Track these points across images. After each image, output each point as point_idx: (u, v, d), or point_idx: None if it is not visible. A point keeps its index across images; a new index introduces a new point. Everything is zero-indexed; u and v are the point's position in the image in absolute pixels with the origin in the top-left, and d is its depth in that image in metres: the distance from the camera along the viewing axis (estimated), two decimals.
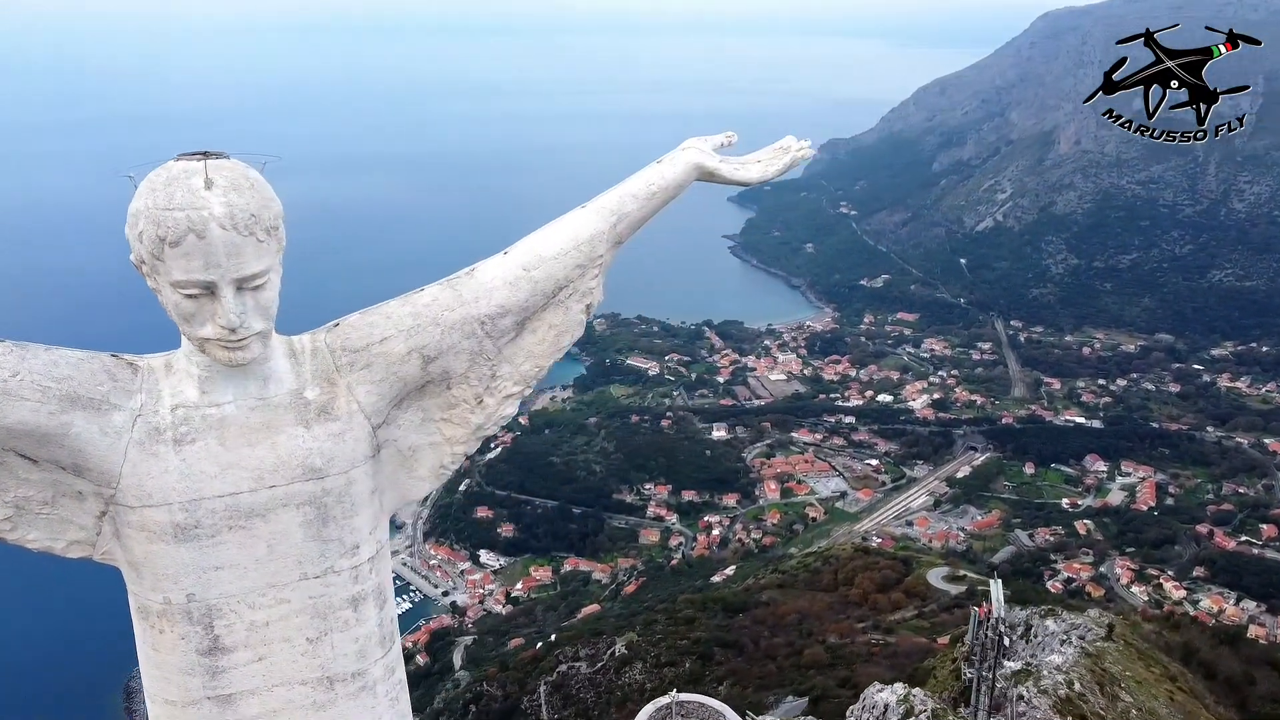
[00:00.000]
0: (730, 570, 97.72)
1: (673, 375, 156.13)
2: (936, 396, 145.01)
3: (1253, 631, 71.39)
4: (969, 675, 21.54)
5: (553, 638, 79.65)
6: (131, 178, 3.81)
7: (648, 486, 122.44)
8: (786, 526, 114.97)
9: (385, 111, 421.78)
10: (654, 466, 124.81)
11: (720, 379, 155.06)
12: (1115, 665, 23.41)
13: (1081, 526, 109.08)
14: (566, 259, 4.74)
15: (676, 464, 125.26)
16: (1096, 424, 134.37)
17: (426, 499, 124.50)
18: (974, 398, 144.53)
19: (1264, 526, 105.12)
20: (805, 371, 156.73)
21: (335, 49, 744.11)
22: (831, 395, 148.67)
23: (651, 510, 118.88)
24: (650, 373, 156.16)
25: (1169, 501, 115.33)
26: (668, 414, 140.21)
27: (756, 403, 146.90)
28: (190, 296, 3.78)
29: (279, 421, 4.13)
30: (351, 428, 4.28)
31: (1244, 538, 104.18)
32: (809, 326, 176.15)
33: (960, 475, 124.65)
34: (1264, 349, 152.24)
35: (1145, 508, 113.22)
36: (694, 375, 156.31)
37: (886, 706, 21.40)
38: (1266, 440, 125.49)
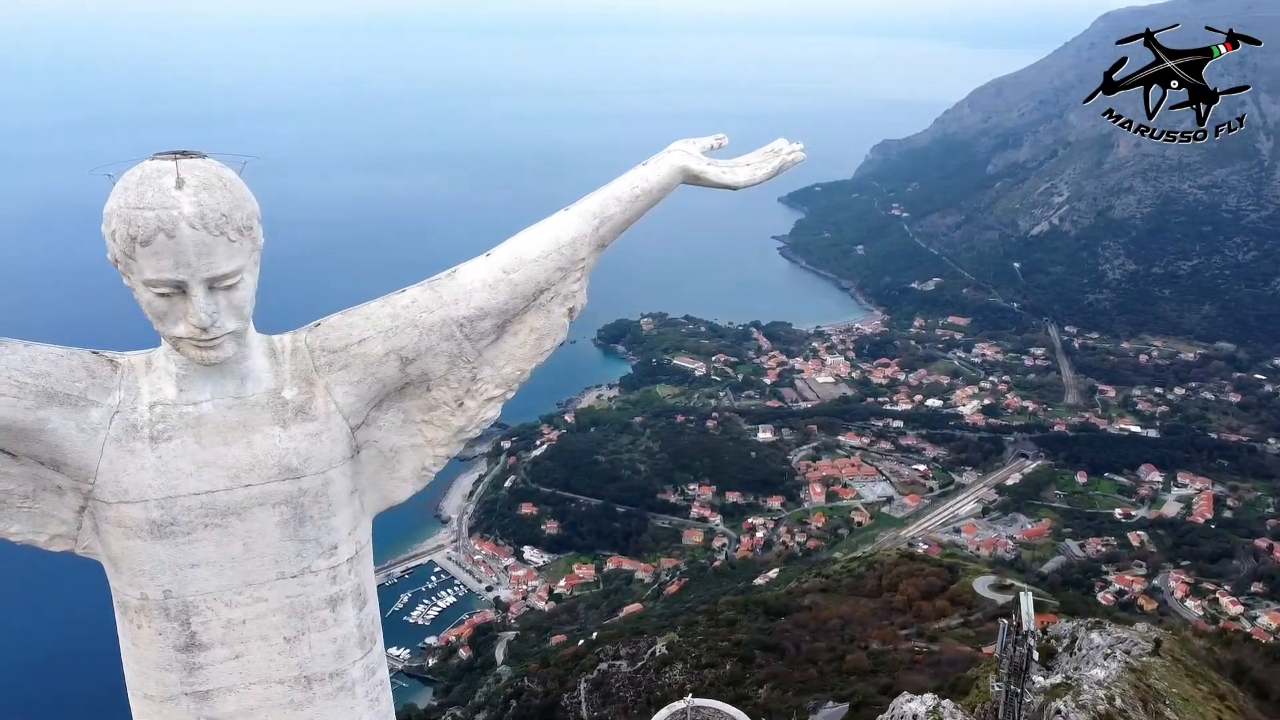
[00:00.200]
0: (773, 573, 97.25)
1: (719, 376, 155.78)
2: (987, 402, 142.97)
3: None
4: (997, 689, 21.25)
5: (594, 636, 79.94)
6: (110, 176, 3.84)
7: (692, 487, 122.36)
8: (831, 530, 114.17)
9: (398, 112, 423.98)
10: (699, 467, 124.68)
11: (767, 380, 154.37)
12: (1160, 681, 22.92)
13: (1135, 538, 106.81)
14: (547, 262, 4.70)
15: (721, 465, 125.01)
16: (1152, 433, 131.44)
17: (472, 492, 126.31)
18: (1025, 404, 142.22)
19: None
20: (853, 374, 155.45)
21: (345, 49, 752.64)
22: (880, 399, 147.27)
23: (695, 511, 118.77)
24: (697, 373, 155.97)
25: (1227, 514, 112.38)
26: (713, 414, 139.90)
27: (803, 405, 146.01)
28: (162, 295, 3.80)
29: (256, 420, 4.14)
30: (329, 428, 4.28)
31: None
32: (858, 329, 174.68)
33: (1010, 483, 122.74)
34: None
35: (1202, 520, 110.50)
36: (740, 376, 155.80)
37: (915, 717, 21.18)
38: None
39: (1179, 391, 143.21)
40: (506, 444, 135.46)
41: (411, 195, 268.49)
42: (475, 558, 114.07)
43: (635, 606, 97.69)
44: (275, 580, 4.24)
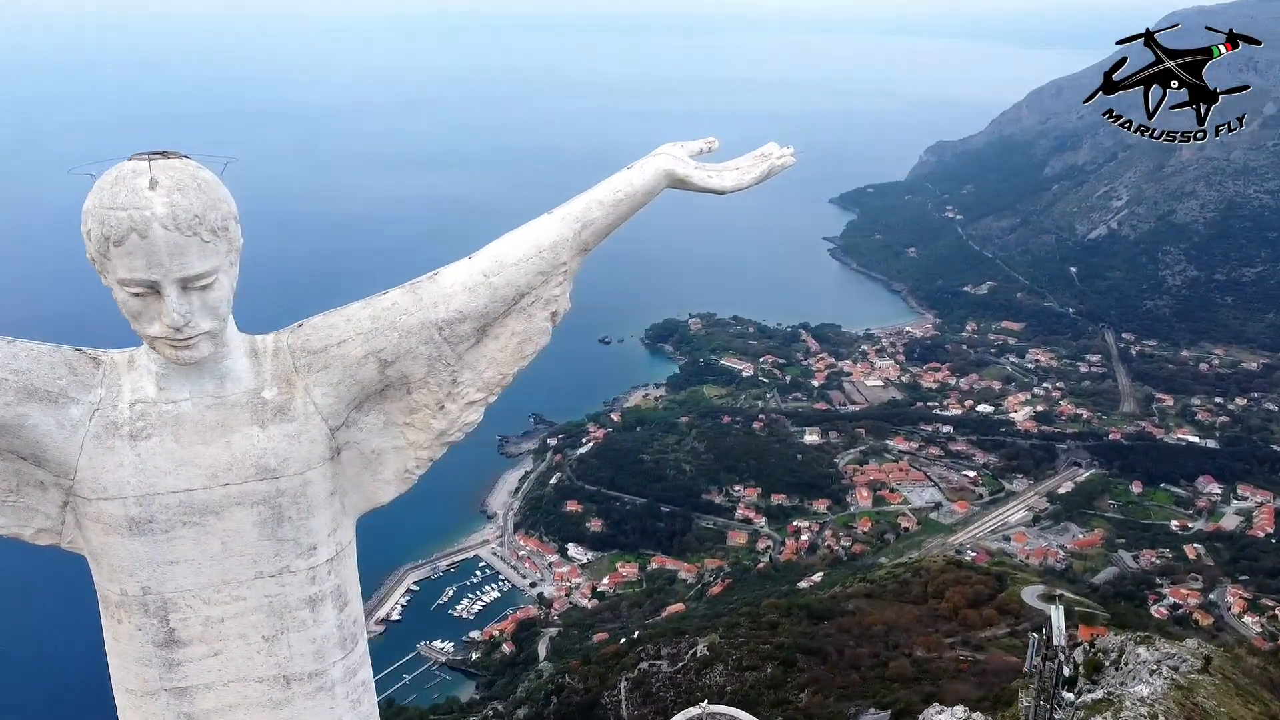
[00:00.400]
0: (817, 577, 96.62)
1: (766, 377, 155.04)
2: (1040, 409, 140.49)
3: None
4: (1026, 704, 20.88)
5: (635, 635, 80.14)
6: (92, 175, 3.86)
7: (737, 488, 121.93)
8: (877, 535, 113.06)
9: (485, 109, 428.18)
10: (744, 468, 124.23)
11: (815, 383, 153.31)
12: (1208, 700, 22.33)
13: (1191, 550, 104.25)
14: (528, 266, 4.67)
15: (767, 467, 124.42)
16: (1211, 444, 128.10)
17: (518, 488, 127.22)
18: (1080, 411, 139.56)
19: None
20: (903, 378, 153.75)
21: (411, 46, 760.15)
22: (929, 403, 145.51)
23: (740, 512, 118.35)
24: (744, 374, 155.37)
25: None
26: (760, 416, 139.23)
27: (851, 408, 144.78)
28: (137, 295, 3.82)
29: (234, 420, 4.15)
30: (308, 429, 4.28)
31: None
32: (908, 332, 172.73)
33: (1062, 491, 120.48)
34: None
35: (1262, 534, 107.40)
36: (788, 378, 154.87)
37: None
38: None
39: (1240, 401, 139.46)
40: (553, 441, 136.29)
41: (472, 193, 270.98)
42: (520, 554, 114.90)
43: (678, 606, 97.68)
44: (253, 579, 4.26)
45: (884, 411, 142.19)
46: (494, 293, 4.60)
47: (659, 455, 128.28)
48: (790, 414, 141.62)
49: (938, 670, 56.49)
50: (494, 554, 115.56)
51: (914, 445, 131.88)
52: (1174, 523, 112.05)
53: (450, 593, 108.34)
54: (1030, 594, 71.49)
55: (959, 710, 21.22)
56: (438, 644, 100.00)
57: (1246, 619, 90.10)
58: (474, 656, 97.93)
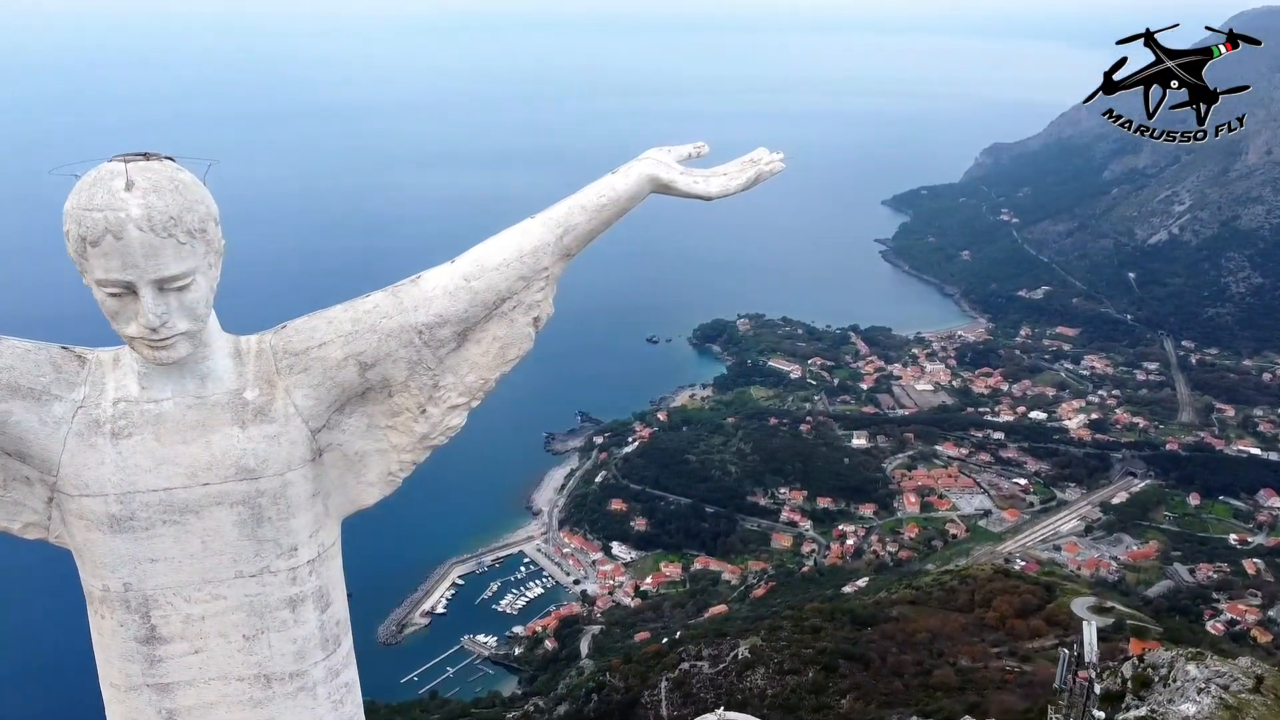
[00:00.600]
0: (862, 582, 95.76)
1: (814, 379, 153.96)
2: (1094, 417, 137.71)
3: None
4: None
5: (677, 635, 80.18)
6: (77, 175, 3.90)
7: (782, 490, 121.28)
8: (925, 542, 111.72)
9: (530, 108, 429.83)
10: (790, 471, 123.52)
11: (864, 386, 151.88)
12: None
13: (1250, 565, 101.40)
14: (508, 270, 4.64)
15: (813, 469, 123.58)
16: (1274, 456, 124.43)
17: (564, 485, 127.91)
18: (1136, 420, 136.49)
19: None
20: (954, 383, 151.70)
21: (477, 45, 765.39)
22: (980, 409, 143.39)
23: (785, 515, 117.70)
24: (792, 375, 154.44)
25: None
26: (807, 418, 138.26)
27: (900, 412, 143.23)
28: (114, 295, 3.85)
29: (215, 420, 4.19)
30: (288, 430, 4.30)
31: None
32: (960, 336, 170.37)
33: (1116, 501, 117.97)
34: None
35: None
36: (837, 380, 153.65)
37: None
38: None
39: None
40: (599, 440, 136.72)
41: (518, 190, 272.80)
42: (564, 550, 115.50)
43: (720, 608, 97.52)
44: (234, 579, 4.29)
45: (934, 416, 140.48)
46: (474, 297, 4.58)
47: (704, 456, 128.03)
48: (838, 417, 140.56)
49: (982, 680, 55.75)
50: (539, 550, 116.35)
51: (964, 451, 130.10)
52: (1233, 536, 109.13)
53: (495, 588, 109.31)
54: (1080, 605, 70.22)
55: None
56: (481, 638, 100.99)
57: None
58: (517, 651, 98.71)
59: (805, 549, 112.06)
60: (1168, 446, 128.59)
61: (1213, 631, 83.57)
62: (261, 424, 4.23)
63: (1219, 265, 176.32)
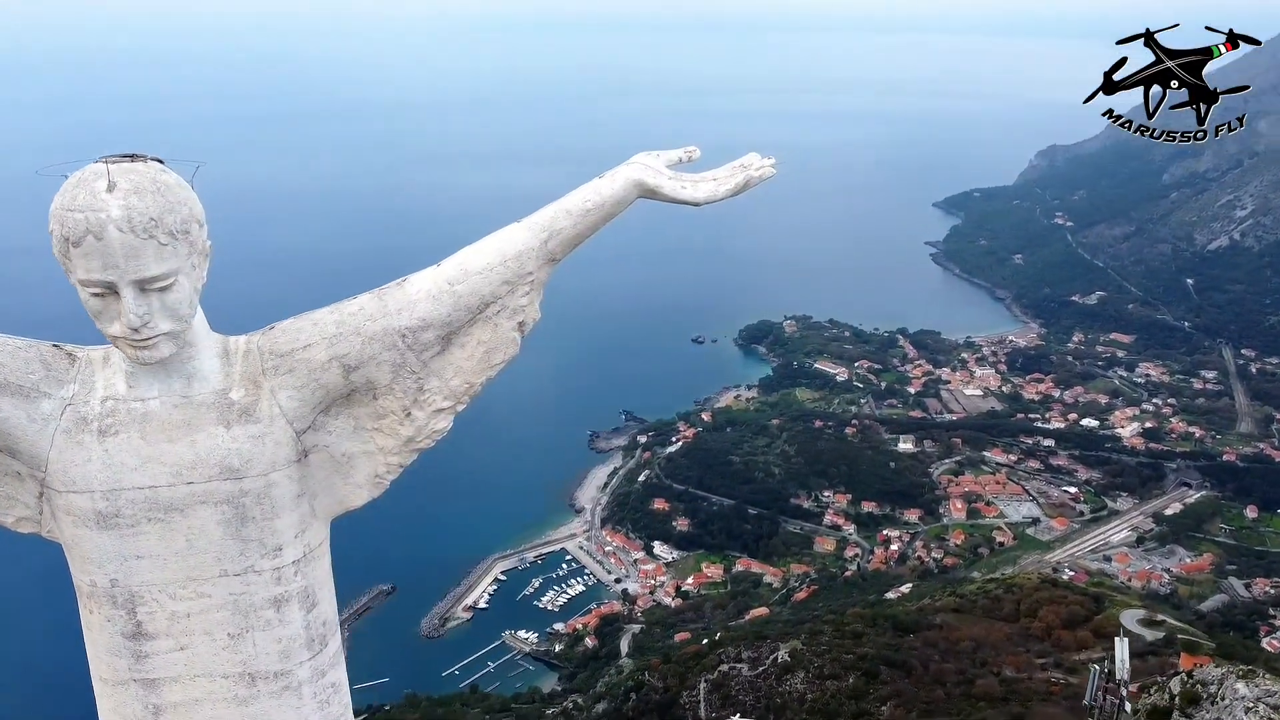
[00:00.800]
0: (906, 588, 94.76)
1: (861, 382, 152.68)
2: (1149, 425, 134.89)
3: None
4: None
5: (717, 636, 79.88)
6: (66, 176, 3.93)
7: (826, 494, 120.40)
8: (971, 549, 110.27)
9: (563, 108, 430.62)
10: (835, 474, 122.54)
11: (911, 390, 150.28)
12: None
13: None
14: (492, 275, 4.64)
15: (858, 473, 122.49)
16: None
17: (607, 484, 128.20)
18: (1192, 430, 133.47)
19: None
20: (1004, 388, 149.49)
21: (533, 44, 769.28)
22: (1030, 415, 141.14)
23: (829, 518, 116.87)
24: (838, 378, 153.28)
25: None
26: (853, 421, 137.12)
27: (948, 417, 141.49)
28: (96, 295, 3.89)
29: (200, 420, 4.22)
30: (272, 431, 4.33)
31: None
32: (1011, 341, 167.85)
33: (1169, 512, 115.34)
34: None
35: None
36: (884, 384, 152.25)
37: None
38: None
39: None
40: (643, 439, 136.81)
41: (559, 191, 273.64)
42: (606, 549, 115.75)
43: (761, 610, 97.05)
44: (218, 577, 4.33)
45: (982, 422, 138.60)
46: (458, 301, 4.56)
47: (748, 457, 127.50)
48: (884, 421, 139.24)
49: (1026, 691, 54.73)
50: (580, 548, 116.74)
51: (1013, 458, 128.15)
52: None
53: (536, 584, 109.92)
54: (1130, 618, 68.61)
55: None
56: (522, 634, 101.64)
57: None
58: (557, 648, 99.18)
59: (848, 553, 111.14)
60: (1225, 457, 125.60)
61: (1269, 648, 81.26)
62: (246, 424, 4.27)
63: None
